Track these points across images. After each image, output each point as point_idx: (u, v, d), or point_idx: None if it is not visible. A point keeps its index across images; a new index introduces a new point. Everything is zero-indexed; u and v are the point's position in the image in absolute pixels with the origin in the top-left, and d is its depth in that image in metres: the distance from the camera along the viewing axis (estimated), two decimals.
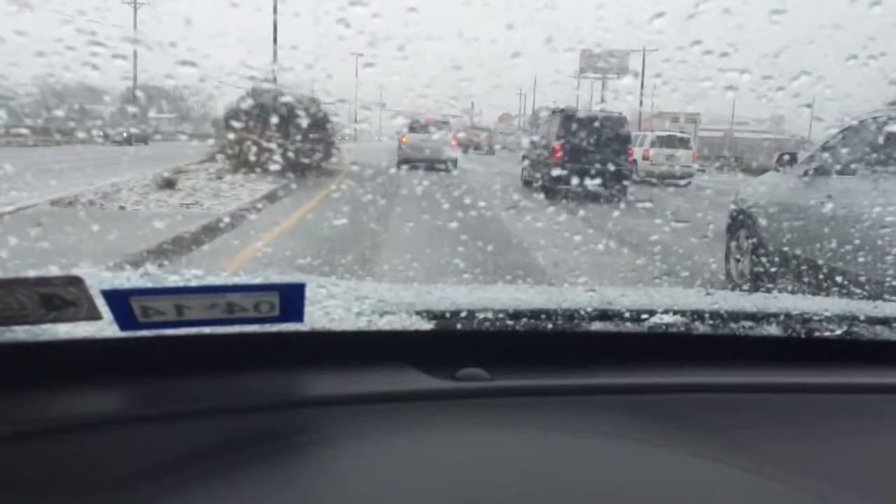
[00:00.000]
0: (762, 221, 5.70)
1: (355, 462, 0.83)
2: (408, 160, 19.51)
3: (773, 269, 5.40)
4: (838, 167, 4.98)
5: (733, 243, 6.22)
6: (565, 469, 0.83)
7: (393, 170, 17.93)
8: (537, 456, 0.86)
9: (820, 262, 4.68)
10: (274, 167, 11.81)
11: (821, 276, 4.62)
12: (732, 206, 6.36)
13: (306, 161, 12.03)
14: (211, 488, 0.76)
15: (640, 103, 36.97)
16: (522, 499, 0.77)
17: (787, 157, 5.57)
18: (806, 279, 4.85)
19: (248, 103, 12.70)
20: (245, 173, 12.41)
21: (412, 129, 20.94)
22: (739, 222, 6.15)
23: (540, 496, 0.77)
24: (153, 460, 0.80)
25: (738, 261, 6.12)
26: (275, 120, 11.19)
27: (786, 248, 5.22)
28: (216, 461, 0.80)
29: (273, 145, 10.30)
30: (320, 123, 14.54)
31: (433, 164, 19.15)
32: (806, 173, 5.33)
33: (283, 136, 10.23)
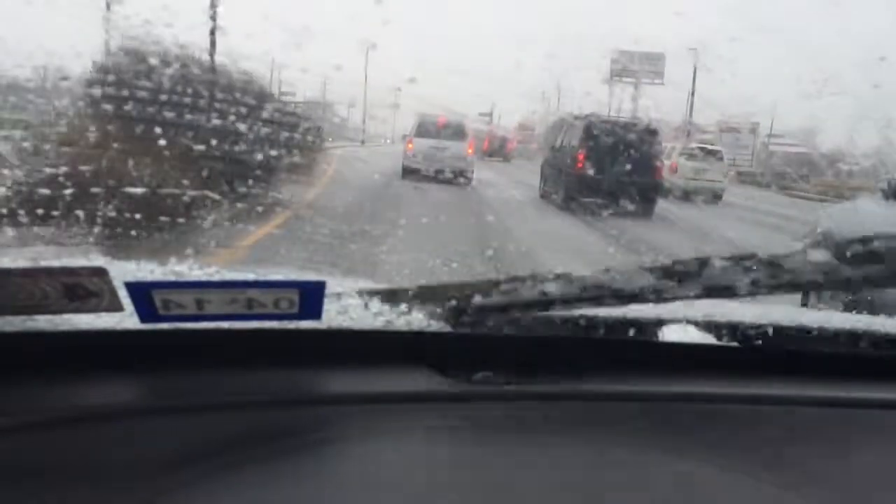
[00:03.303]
0: None
1: (369, 460, 0.86)
2: (414, 170, 15.53)
3: None
4: None
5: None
6: (580, 475, 0.86)
7: (396, 183, 14.45)
8: (552, 461, 0.88)
9: None
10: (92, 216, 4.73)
11: None
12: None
13: (186, 195, 5.82)
14: (225, 482, 0.77)
15: (690, 111, 35.10)
16: None
17: None
18: None
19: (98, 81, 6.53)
20: (37, 223, 4.83)
21: (421, 132, 16.78)
22: None
23: (553, 502, 0.79)
24: (168, 453, 0.82)
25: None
26: (137, 108, 5.39)
27: None
28: (231, 455, 0.81)
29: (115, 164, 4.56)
30: (256, 116, 6.93)
31: (446, 176, 14.83)
32: None
33: (155, 143, 4.99)
